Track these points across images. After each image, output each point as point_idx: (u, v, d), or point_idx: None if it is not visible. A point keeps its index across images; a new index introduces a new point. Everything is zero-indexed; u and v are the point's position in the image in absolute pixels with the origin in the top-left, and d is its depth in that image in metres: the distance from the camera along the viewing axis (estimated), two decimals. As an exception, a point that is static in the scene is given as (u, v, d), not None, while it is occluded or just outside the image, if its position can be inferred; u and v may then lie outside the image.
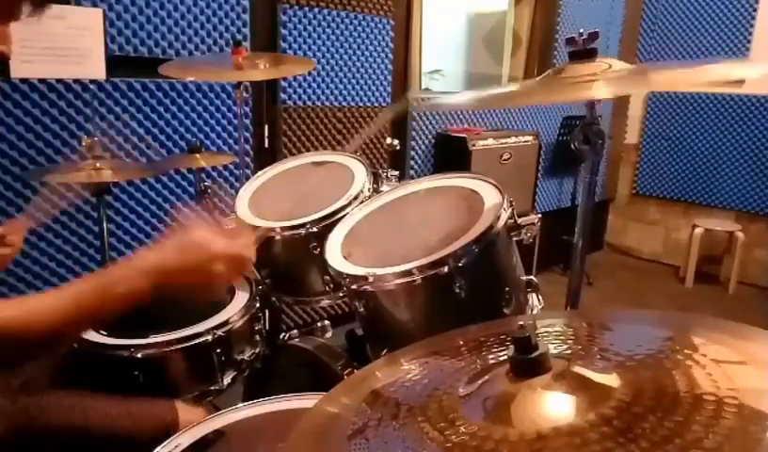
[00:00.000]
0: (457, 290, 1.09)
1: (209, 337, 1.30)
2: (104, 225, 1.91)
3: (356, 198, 1.43)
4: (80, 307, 0.82)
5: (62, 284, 0.87)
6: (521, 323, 0.56)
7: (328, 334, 1.74)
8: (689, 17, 4.36)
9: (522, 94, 1.25)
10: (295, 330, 1.82)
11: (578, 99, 1.12)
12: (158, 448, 0.88)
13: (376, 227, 1.34)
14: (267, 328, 1.63)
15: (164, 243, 0.89)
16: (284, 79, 2.66)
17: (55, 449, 1.04)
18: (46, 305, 0.82)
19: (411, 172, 3.36)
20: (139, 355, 1.23)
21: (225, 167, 2.54)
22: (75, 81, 2.10)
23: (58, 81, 2.07)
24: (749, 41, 4.09)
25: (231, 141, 2.55)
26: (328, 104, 2.88)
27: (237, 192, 1.63)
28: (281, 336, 1.70)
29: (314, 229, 1.38)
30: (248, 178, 1.79)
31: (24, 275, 2.10)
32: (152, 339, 1.26)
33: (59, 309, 0.81)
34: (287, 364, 1.55)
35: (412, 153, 3.37)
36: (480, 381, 0.61)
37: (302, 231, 1.39)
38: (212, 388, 1.33)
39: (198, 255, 0.88)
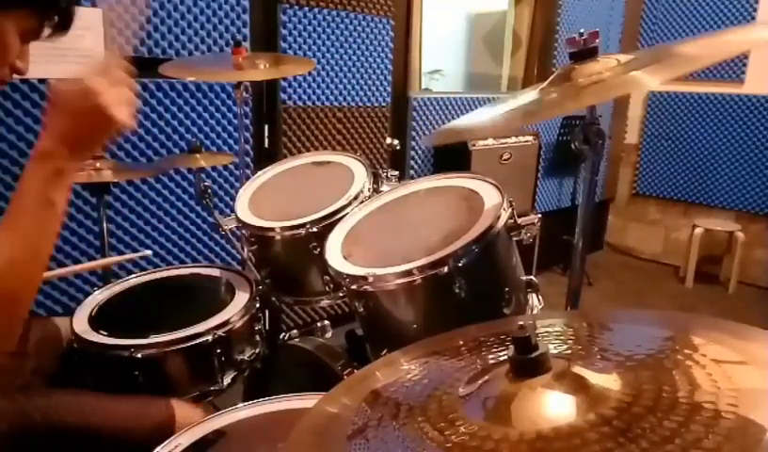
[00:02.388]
0: (457, 290, 1.09)
1: (209, 337, 1.30)
2: (104, 225, 1.92)
3: (356, 198, 1.43)
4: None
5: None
6: (521, 323, 0.56)
7: (328, 334, 1.74)
8: (689, 16, 4.36)
9: (553, 105, 1.09)
10: (295, 330, 1.82)
11: (615, 96, 1.04)
12: (158, 448, 0.88)
13: (376, 227, 1.34)
14: (267, 328, 1.63)
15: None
16: (284, 79, 2.66)
17: (54, 449, 1.04)
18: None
19: (411, 172, 3.36)
20: (139, 355, 1.23)
21: (225, 167, 2.54)
22: (75, 81, 2.10)
23: (59, 81, 2.06)
24: (749, 42, 4.08)
25: (231, 141, 2.54)
26: (327, 104, 2.88)
27: (237, 192, 1.64)
28: (281, 336, 1.70)
29: (314, 229, 1.38)
30: (248, 178, 1.79)
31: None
32: (152, 339, 1.26)
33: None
34: (287, 364, 1.55)
35: (412, 153, 3.37)
36: (480, 381, 0.61)
37: (302, 231, 1.39)
38: (212, 388, 1.33)
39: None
